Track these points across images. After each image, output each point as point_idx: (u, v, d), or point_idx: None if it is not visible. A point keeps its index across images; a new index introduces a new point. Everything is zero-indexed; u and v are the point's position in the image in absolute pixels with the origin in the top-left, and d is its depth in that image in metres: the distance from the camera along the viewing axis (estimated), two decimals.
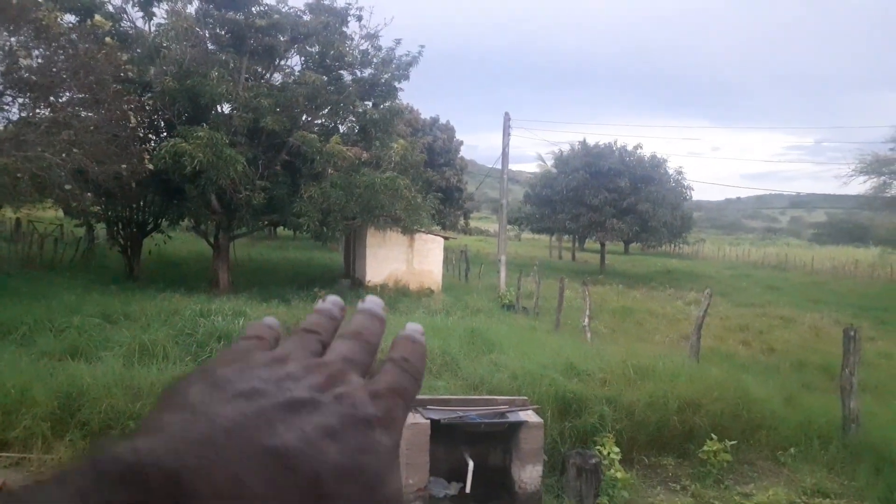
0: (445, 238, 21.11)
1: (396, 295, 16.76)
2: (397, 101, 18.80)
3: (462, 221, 45.83)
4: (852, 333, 7.32)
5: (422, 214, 18.48)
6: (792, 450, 6.81)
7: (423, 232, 19.52)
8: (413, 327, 0.45)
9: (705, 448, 6.38)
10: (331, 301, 0.47)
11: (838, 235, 75.38)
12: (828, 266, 42.53)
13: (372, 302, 0.46)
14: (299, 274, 20.63)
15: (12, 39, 11.22)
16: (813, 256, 47.36)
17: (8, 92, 11.73)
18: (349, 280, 19.71)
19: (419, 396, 6.20)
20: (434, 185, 32.96)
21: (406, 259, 19.21)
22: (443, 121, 43.21)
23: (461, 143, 44.22)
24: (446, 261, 20.68)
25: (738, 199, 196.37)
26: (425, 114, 41.99)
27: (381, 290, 17.26)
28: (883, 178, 29.95)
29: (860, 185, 30.73)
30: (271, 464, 0.32)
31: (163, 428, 0.33)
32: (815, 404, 7.96)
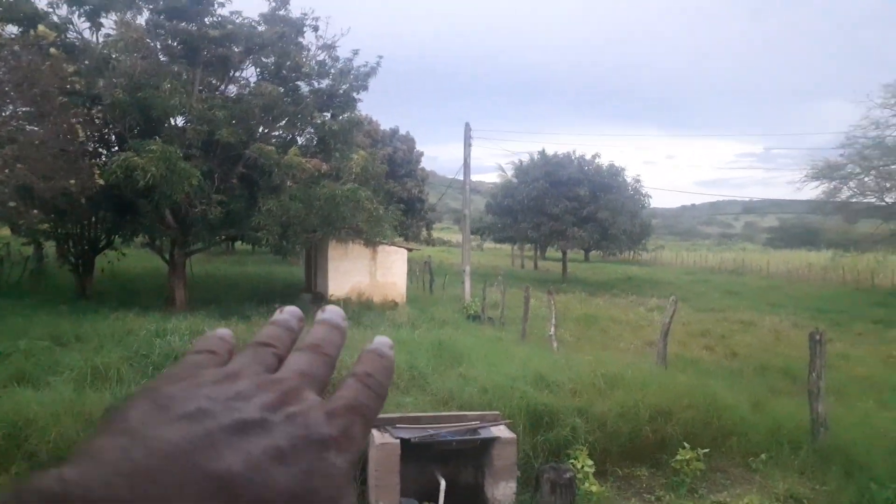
0: (409, 249, 20.91)
1: (360, 308, 16.48)
2: (356, 113, 18.59)
3: (425, 232, 45.66)
4: (818, 337, 7.38)
5: (384, 226, 18.27)
6: (763, 456, 6.80)
7: (386, 244, 19.30)
8: (381, 340, 0.43)
9: (678, 457, 6.31)
10: (288, 312, 0.44)
11: (791, 239, 77.58)
12: (782, 270, 43.67)
13: (332, 312, 0.44)
14: (259, 289, 20.17)
15: None
16: (768, 260, 48.59)
17: None
18: (311, 294, 19.34)
19: (388, 415, 6.02)
20: (395, 196, 32.75)
21: (369, 271, 18.94)
22: (402, 132, 43.09)
23: (421, 154, 44.14)
24: (410, 272, 20.46)
25: (693, 205, 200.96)
26: (385, 125, 41.81)
27: (343, 303, 16.92)
28: (834, 182, 30.89)
29: (812, 191, 31.54)
30: (213, 491, 0.29)
31: (95, 455, 0.30)
32: (783, 409, 8.01)
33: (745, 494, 6.11)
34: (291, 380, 0.38)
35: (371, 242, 18.38)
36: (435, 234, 53.56)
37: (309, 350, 0.41)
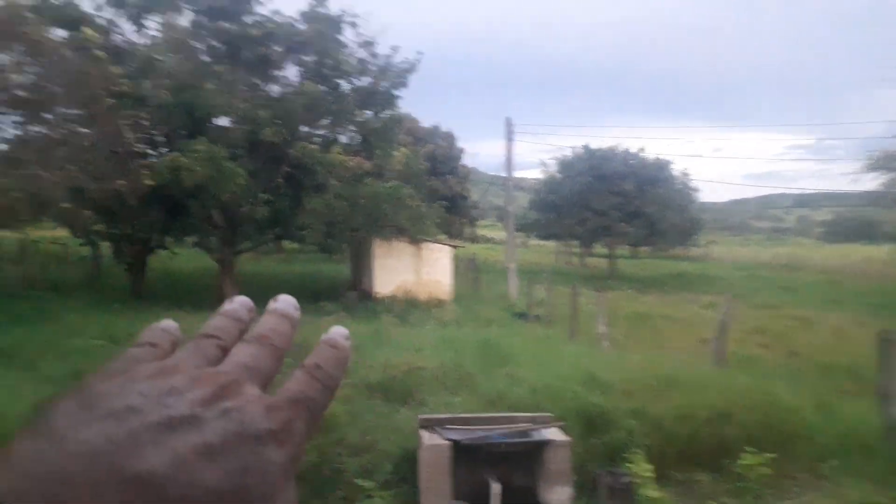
0: (453, 247, 20.77)
1: (406, 306, 16.41)
2: (397, 110, 18.55)
3: (468, 230, 45.51)
4: (889, 338, 6.93)
5: (427, 223, 18.18)
6: (833, 461, 6.41)
7: (430, 241, 19.20)
8: (337, 330, 0.42)
9: (742, 462, 5.99)
10: (238, 302, 0.43)
11: (846, 233, 74.64)
12: (839, 264, 41.95)
13: (284, 301, 0.43)
14: (306, 287, 20.31)
15: (3, 56, 10.95)
16: (823, 255, 46.82)
17: (0, 110, 11.43)
18: (357, 292, 19.38)
19: (437, 415, 5.87)
20: (438, 193, 32.68)
21: (414, 269, 18.86)
22: (443, 129, 42.96)
23: (462, 150, 43.94)
24: (455, 270, 20.32)
25: (743, 199, 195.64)
26: (425, 122, 41.74)
27: (389, 301, 16.89)
28: (892, 174, 29.46)
29: (869, 182, 30.13)
30: (135, 492, 0.29)
31: (11, 459, 0.30)
32: (851, 412, 7.56)
33: (815, 502, 5.76)
34: (231, 373, 0.36)
35: (415, 240, 18.31)
36: (479, 232, 53.37)
37: (255, 341, 0.39)
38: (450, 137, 42.79)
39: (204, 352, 0.39)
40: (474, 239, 47.88)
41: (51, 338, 9.55)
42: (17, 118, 11.86)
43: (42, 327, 10.32)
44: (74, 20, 14.17)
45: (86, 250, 19.50)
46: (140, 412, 0.32)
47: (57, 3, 14.29)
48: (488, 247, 48.66)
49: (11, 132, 12.10)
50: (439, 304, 17.71)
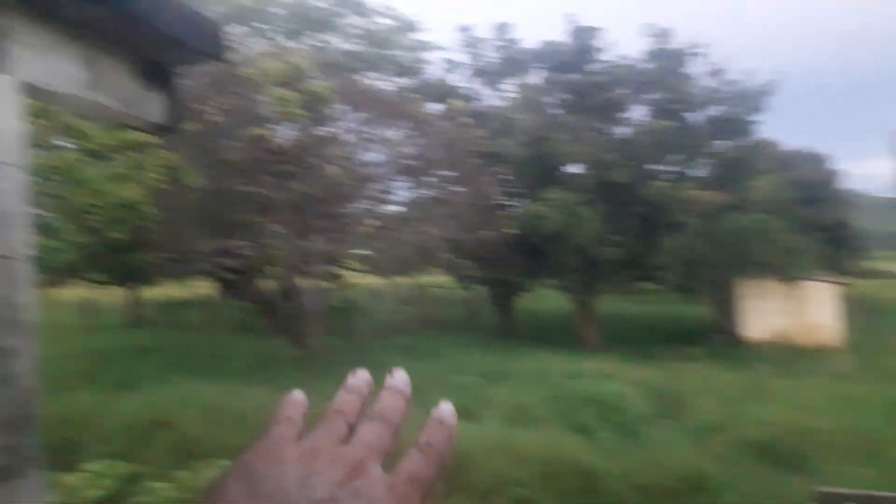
0: (838, 284, 17.78)
1: (782, 353, 14.49)
2: (755, 136, 16.91)
3: (858, 263, 38.60)
4: None
5: (801, 258, 15.94)
6: None
7: (808, 279, 16.75)
8: (444, 407, 0.47)
9: None
10: (360, 377, 0.48)
11: None
12: None
13: (398, 378, 0.48)
14: (666, 329, 19.53)
15: (396, 132, 13.30)
16: None
17: (394, 178, 13.81)
18: (723, 335, 17.87)
19: (840, 490, 4.89)
20: (813, 223, 28.57)
21: (789, 311, 16.62)
22: (809, 149, 37.57)
23: (836, 172, 37.71)
24: (842, 311, 17.31)
25: None
26: (787, 144, 37.05)
27: (762, 346, 15.13)
28: None
29: None
30: None
31: None
32: None
33: None
34: (358, 452, 0.41)
35: (788, 278, 16.18)
36: (872, 265, 44.97)
37: (375, 418, 0.43)
38: (818, 159, 37.26)
39: (335, 429, 0.43)
40: (867, 274, 40.39)
41: (437, 373, 10.50)
42: (407, 183, 14.19)
43: (431, 363, 11.55)
44: (444, 93, 16.45)
45: (463, 293, 22.01)
46: (292, 493, 0.37)
47: (431, 82, 16.73)
48: (890, 282, 40.53)
49: (403, 195, 14.49)
50: (823, 351, 15.20)
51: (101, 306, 21.82)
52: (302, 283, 14.01)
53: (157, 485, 6.27)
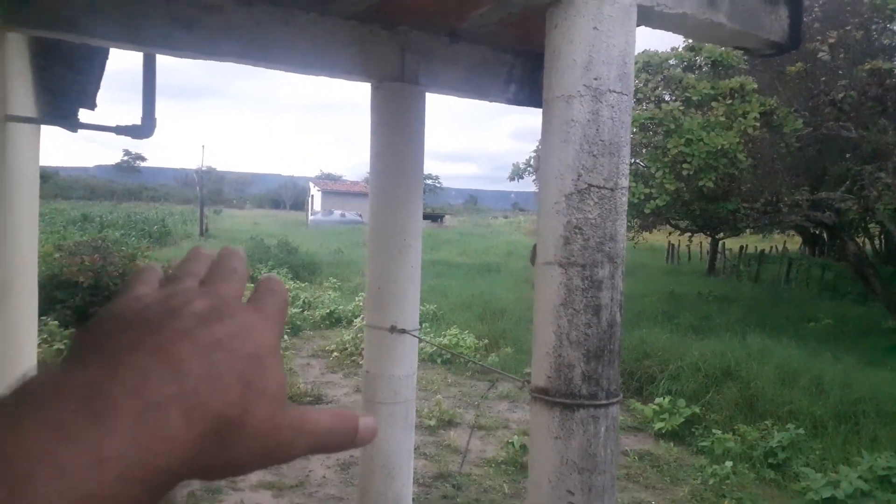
0: None
1: None
2: None
3: None
4: None
5: None
6: None
7: None
8: (271, 276, 0.44)
9: None
10: (200, 250, 0.46)
11: None
12: None
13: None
14: None
15: None
16: None
17: None
18: None
19: None
20: None
21: None
22: None
23: None
24: None
25: None
26: None
27: None
28: None
29: None
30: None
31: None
32: None
33: None
34: (219, 292, 0.39)
35: None
36: None
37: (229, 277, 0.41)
38: None
39: (191, 282, 0.42)
40: None
41: None
42: None
43: None
44: None
45: None
46: (155, 323, 0.34)
47: None
48: None
49: None
50: None
51: (684, 252, 22.96)
52: None
53: (718, 433, 6.21)
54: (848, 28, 10.32)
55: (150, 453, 0.28)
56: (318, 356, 9.50)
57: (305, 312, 11.86)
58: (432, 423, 6.67)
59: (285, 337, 9.84)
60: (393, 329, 3.25)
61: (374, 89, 3.54)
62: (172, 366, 0.31)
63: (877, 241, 18.49)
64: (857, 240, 13.93)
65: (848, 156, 11.27)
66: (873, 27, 11.01)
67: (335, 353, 9.43)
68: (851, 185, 11.04)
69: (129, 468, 0.27)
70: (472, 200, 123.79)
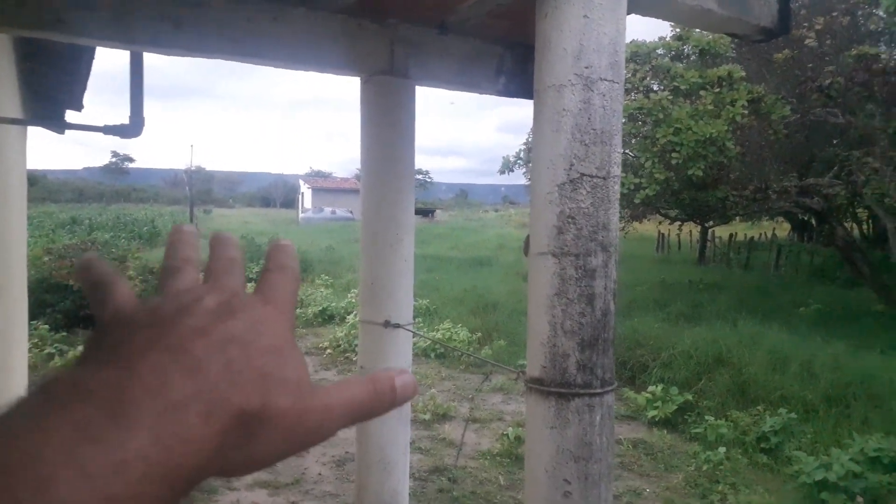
0: None
1: None
2: None
3: None
4: None
5: None
6: None
7: None
8: (283, 241, 0.45)
9: None
10: (187, 229, 0.45)
11: None
12: None
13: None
14: None
15: None
16: None
17: None
18: None
19: None
20: None
21: None
22: None
23: None
24: None
25: None
26: None
27: None
28: None
29: None
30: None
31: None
32: None
33: None
34: (225, 286, 0.39)
35: None
36: None
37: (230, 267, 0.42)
38: None
39: (192, 275, 0.42)
40: None
41: None
42: None
43: None
44: None
45: None
46: (167, 323, 0.34)
47: None
48: None
49: None
50: None
51: (675, 240, 23.07)
52: None
53: (711, 419, 6.27)
54: (834, 14, 10.37)
55: (173, 453, 0.29)
56: (312, 354, 9.48)
57: (298, 310, 11.83)
58: (427, 417, 6.69)
59: None
60: (387, 324, 3.26)
61: (364, 83, 3.54)
62: (190, 364, 0.31)
63: (865, 226, 18.63)
64: (846, 225, 14.04)
65: (835, 142, 11.35)
66: (859, 13, 11.07)
67: (328, 350, 9.42)
68: (839, 171, 11.12)
69: (151, 468, 0.28)
70: (463, 194, 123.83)
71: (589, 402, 1.81)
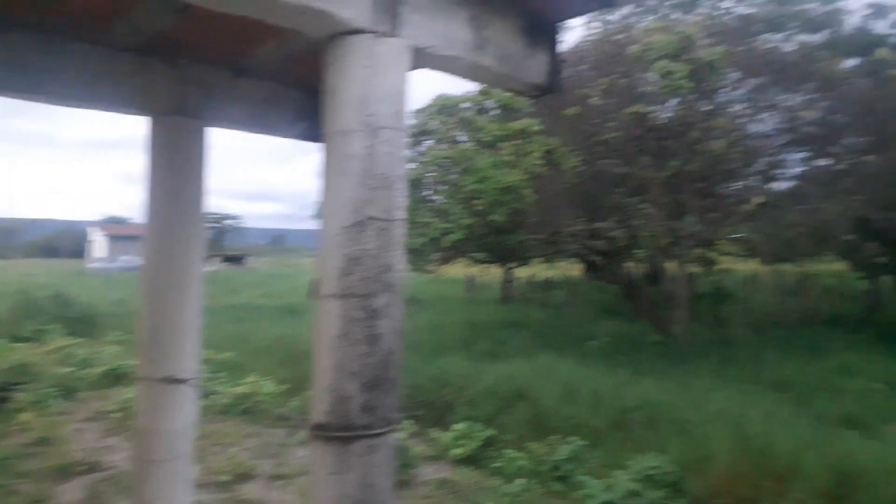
0: None
1: None
2: None
3: None
4: None
5: None
6: None
7: None
8: None
9: None
10: None
11: None
12: None
13: None
14: None
15: (794, 98, 11.42)
16: None
17: (787, 149, 11.95)
18: None
19: None
20: None
21: None
22: None
23: None
24: None
25: None
26: None
27: None
28: None
29: None
30: None
31: None
32: None
33: None
34: None
35: None
36: None
37: None
38: None
39: None
40: None
41: (824, 375, 9.37)
42: (804, 154, 12.15)
43: (816, 362, 10.11)
44: (866, 45, 13.42)
45: (863, 284, 18.36)
46: None
47: (848, 34, 13.89)
48: None
49: (796, 169, 12.50)
50: None
51: (481, 282, 24.26)
52: (669, 266, 13.29)
53: (511, 452, 6.51)
54: (615, 76, 11.67)
55: None
56: (97, 419, 8.46)
57: (82, 371, 10.54)
58: (226, 478, 6.23)
59: (57, 401, 8.65)
60: (168, 380, 3.00)
61: (153, 124, 3.33)
62: None
63: (643, 265, 20.99)
64: (627, 265, 15.72)
65: (618, 189, 12.62)
66: (635, 76, 12.54)
67: (116, 414, 8.46)
68: (621, 216, 12.43)
69: None
70: (279, 240, 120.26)
71: (371, 444, 1.79)
